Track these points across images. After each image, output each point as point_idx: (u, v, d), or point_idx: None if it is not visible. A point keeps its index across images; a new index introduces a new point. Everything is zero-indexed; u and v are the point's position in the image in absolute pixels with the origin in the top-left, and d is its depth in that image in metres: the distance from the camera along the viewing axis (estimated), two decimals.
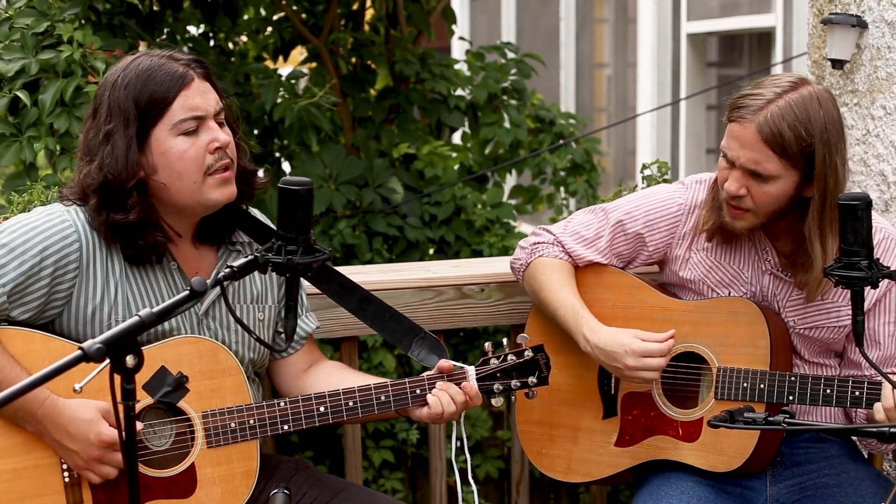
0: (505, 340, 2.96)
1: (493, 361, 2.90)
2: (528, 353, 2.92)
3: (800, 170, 2.88)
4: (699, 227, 3.10)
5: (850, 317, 2.99)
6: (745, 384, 2.97)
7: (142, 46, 4.99)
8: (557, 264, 3.21)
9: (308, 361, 3.01)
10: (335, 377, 2.94)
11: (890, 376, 2.81)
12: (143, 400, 2.47)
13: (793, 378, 2.93)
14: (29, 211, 2.81)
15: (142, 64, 2.71)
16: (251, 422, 2.77)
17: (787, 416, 2.39)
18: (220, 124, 2.75)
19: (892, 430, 2.39)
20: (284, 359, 2.99)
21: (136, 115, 2.67)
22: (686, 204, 3.15)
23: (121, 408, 2.11)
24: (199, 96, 2.71)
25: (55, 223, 2.69)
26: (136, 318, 2.12)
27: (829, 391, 2.90)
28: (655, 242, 3.17)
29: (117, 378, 2.10)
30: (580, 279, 3.21)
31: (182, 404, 2.70)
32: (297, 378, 2.98)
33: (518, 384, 2.91)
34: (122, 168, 2.67)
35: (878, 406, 2.83)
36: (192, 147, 2.69)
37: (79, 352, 2.01)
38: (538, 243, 3.25)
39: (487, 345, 2.91)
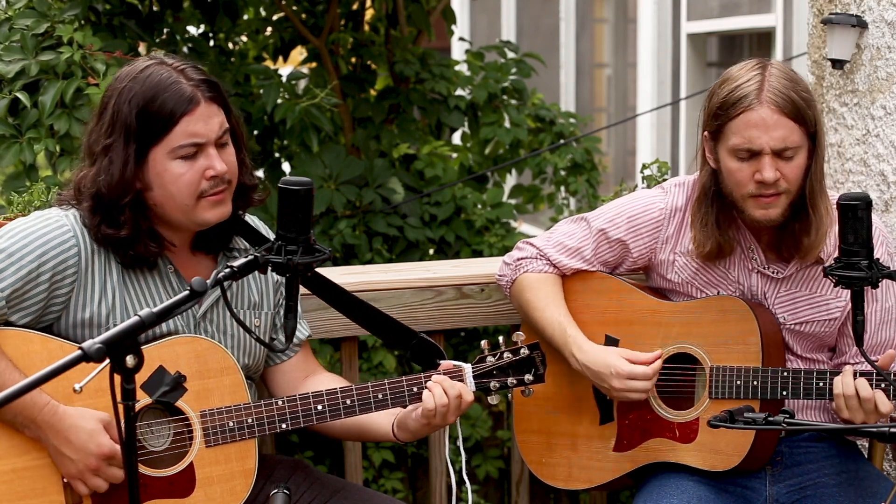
0: (501, 339, 2.96)
1: (490, 359, 2.90)
2: (525, 351, 2.92)
3: (808, 136, 2.91)
4: (694, 252, 3.06)
5: (840, 309, 3.03)
6: (738, 382, 2.97)
7: (142, 47, 4.98)
8: (542, 279, 3.21)
9: (304, 371, 2.99)
10: (332, 385, 2.93)
11: (880, 369, 2.81)
12: (142, 400, 2.47)
13: (785, 373, 2.94)
14: (28, 212, 2.81)
15: (151, 78, 2.67)
16: (249, 420, 2.77)
17: (787, 415, 2.39)
18: (224, 146, 2.73)
19: (893, 430, 2.39)
20: (279, 366, 2.98)
21: (137, 132, 2.65)
22: (667, 208, 3.15)
23: (121, 407, 2.11)
24: (203, 122, 2.67)
25: (53, 228, 2.69)
26: (136, 318, 2.12)
27: (821, 384, 2.91)
28: (639, 248, 3.16)
29: (117, 378, 2.10)
30: (568, 287, 3.21)
31: (180, 404, 2.70)
32: (293, 388, 2.96)
33: (514, 381, 2.91)
34: (116, 184, 2.66)
35: (837, 381, 2.85)
36: (188, 172, 2.68)
37: (79, 352, 2.02)
38: (522, 259, 3.24)
39: (484, 343, 2.92)
